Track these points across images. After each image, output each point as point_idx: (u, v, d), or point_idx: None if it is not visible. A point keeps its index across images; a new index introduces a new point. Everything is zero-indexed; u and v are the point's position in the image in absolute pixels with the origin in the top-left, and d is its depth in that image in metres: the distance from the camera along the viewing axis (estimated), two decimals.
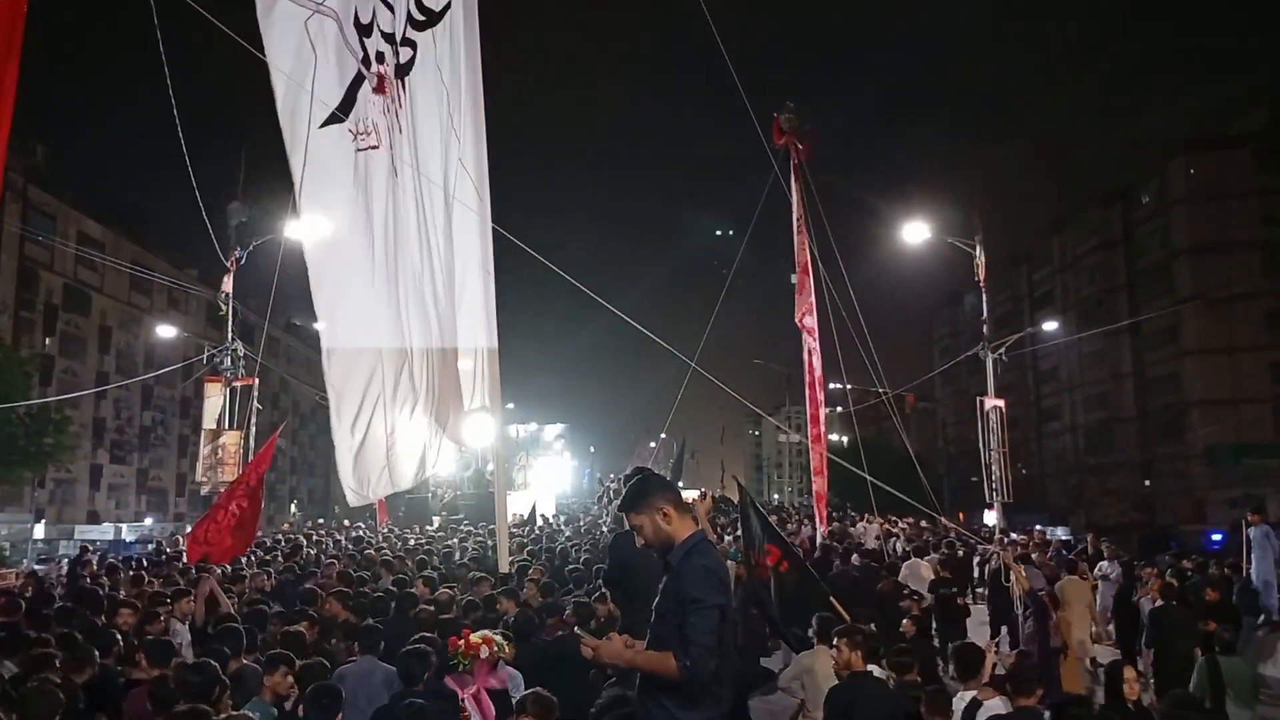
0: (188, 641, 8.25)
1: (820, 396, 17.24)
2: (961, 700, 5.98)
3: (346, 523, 28.15)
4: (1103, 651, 13.81)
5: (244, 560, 13.79)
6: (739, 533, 13.20)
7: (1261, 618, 13.65)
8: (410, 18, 7.16)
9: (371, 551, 15.37)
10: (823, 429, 17.53)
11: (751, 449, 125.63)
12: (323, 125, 6.93)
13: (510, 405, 45.32)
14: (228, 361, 20.07)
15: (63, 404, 34.65)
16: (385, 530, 22.97)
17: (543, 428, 56.72)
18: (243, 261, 19.52)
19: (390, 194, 7.19)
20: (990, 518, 21.56)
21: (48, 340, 45.85)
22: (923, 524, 24.04)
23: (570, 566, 11.87)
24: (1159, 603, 11.16)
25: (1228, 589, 13.57)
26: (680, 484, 26.47)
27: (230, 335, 20.06)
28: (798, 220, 16.65)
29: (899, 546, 18.95)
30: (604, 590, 8.70)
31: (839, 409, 26.00)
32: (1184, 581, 13.17)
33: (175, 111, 8.46)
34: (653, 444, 43.98)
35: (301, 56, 6.81)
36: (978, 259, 19.36)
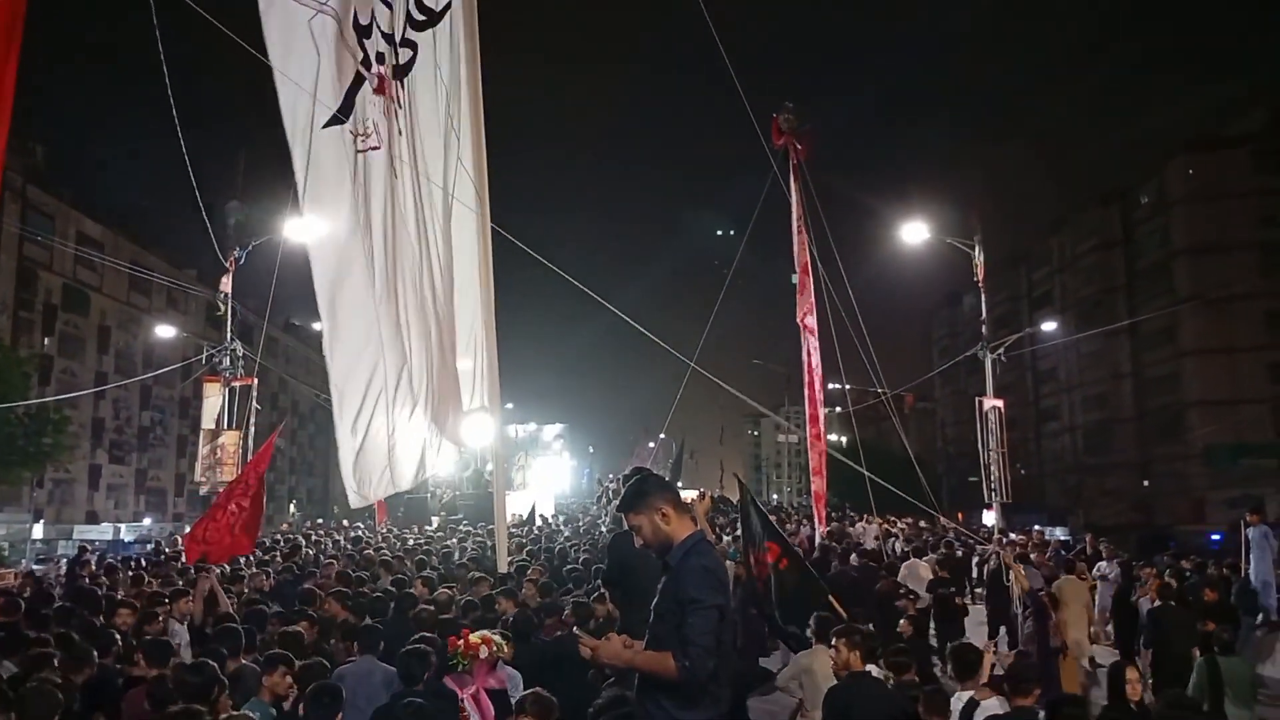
0: (186, 642, 8.24)
1: (819, 397, 17.25)
2: (959, 700, 5.98)
3: (345, 523, 28.14)
4: (1101, 652, 13.83)
5: (242, 560, 13.79)
6: (738, 533, 13.22)
7: (1260, 618, 13.68)
8: (410, 18, 7.16)
9: (370, 551, 15.37)
10: (822, 429, 17.53)
11: (750, 449, 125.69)
12: (325, 126, 6.93)
13: (509, 405, 45.32)
14: (226, 361, 20.07)
15: (61, 404, 34.65)
16: (384, 530, 22.98)
17: (542, 428, 56.70)
18: (241, 261, 19.51)
19: (389, 195, 7.19)
20: (989, 518, 21.58)
21: (46, 340, 45.83)
22: (921, 524, 24.06)
23: (569, 566, 11.88)
24: (1157, 603, 11.17)
25: (1226, 589, 13.59)
26: (679, 484, 26.49)
27: (229, 335, 20.06)
28: (797, 220, 16.65)
29: (897, 547, 18.96)
30: (603, 590, 8.71)
31: (838, 409, 25.99)
32: (1183, 581, 13.18)
33: (175, 112, 8.47)
34: (652, 444, 44.04)
35: (304, 57, 6.80)
36: (976, 259, 19.38)
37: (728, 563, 9.90)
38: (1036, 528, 27.51)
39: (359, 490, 7.33)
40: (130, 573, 13.84)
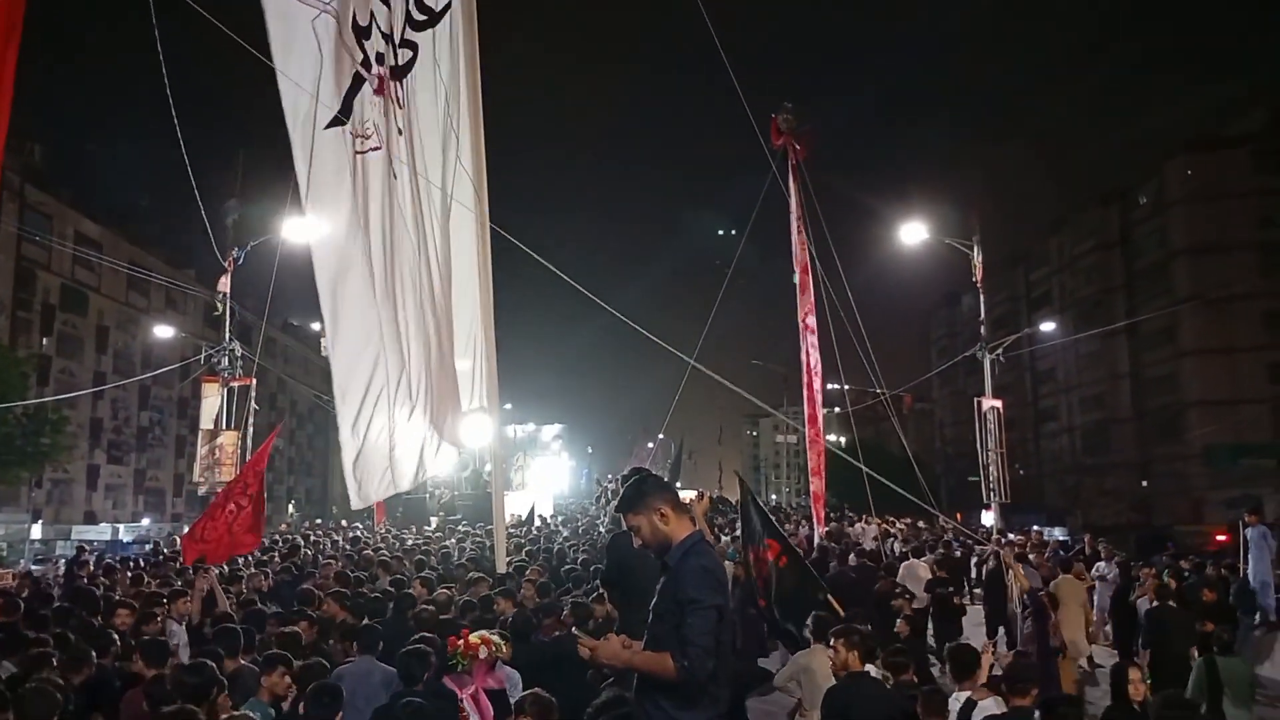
0: (184, 642, 8.24)
1: (819, 397, 17.25)
2: (957, 701, 5.98)
3: (344, 523, 28.14)
4: (1100, 652, 13.83)
5: (241, 560, 13.79)
6: (737, 533, 13.22)
7: (1258, 618, 13.70)
8: (410, 18, 7.17)
9: (369, 552, 15.36)
10: (821, 429, 17.53)
11: (749, 449, 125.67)
12: (326, 127, 6.94)
13: (508, 405, 45.31)
14: (225, 361, 20.07)
15: (60, 404, 34.62)
16: (383, 531, 22.97)
17: (540, 428, 56.76)
18: (240, 262, 19.51)
19: (388, 196, 7.19)
20: (988, 518, 21.59)
21: (45, 340, 45.80)
22: (920, 524, 24.07)
23: (567, 566, 11.87)
24: (1155, 603, 11.17)
25: (1225, 589, 13.60)
26: (678, 484, 26.49)
27: (227, 335, 20.06)
28: (797, 220, 16.66)
29: (896, 547, 18.96)
30: (601, 591, 8.71)
31: (836, 409, 26.01)
32: (1181, 582, 13.19)
33: (174, 111, 8.46)
34: (650, 444, 44.12)
35: (306, 58, 6.80)
36: (975, 259, 19.39)
37: (726, 563, 9.91)
38: (1035, 528, 27.52)
39: (360, 491, 7.34)
40: (130, 573, 13.83)
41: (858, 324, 15.57)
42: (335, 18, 6.85)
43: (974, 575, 18.80)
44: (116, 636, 7.20)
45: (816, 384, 17.09)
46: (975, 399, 19.39)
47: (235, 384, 20.20)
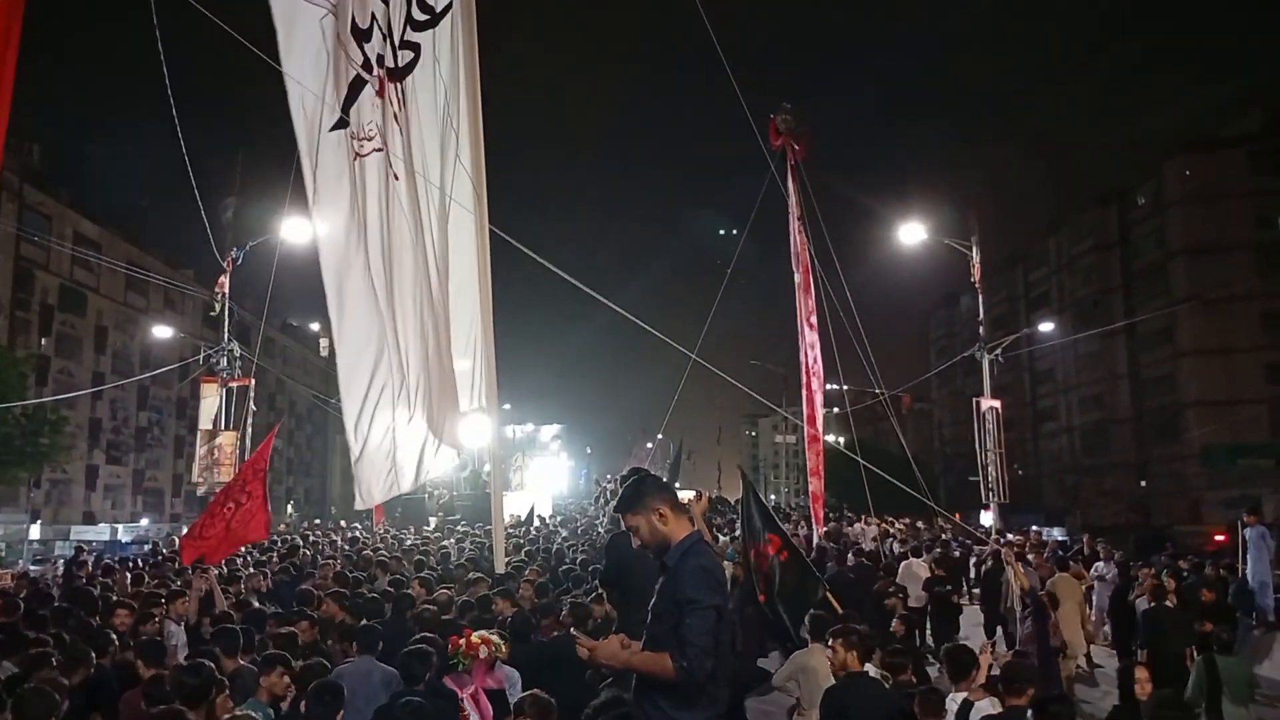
0: (183, 642, 8.23)
1: (818, 397, 17.25)
2: (954, 701, 5.98)
3: (343, 523, 28.13)
4: (1099, 652, 13.85)
5: (239, 560, 13.78)
6: (736, 533, 13.22)
7: (1256, 617, 13.71)
8: (410, 18, 7.18)
9: (368, 552, 15.36)
10: (820, 429, 17.53)
11: (748, 450, 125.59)
12: (331, 130, 6.95)
13: (506, 406, 45.29)
14: (224, 362, 20.06)
15: (59, 404, 34.59)
16: (382, 531, 22.95)
17: (539, 428, 56.79)
18: (239, 262, 19.50)
19: (386, 197, 7.20)
20: (986, 518, 21.61)
21: (44, 340, 45.77)
22: (919, 524, 24.07)
23: (565, 567, 11.87)
24: (1152, 604, 11.19)
25: (1224, 590, 13.61)
26: (677, 485, 26.47)
27: (226, 335, 20.05)
28: (796, 220, 16.66)
29: (895, 547, 18.96)
30: (600, 591, 8.71)
31: (835, 410, 26.03)
32: (1180, 582, 13.20)
33: (174, 111, 8.46)
34: (649, 445, 44.04)
35: (314, 59, 6.83)
36: (974, 260, 19.41)
37: (725, 563, 9.91)
38: (1034, 528, 27.52)
39: (364, 492, 7.37)
40: (130, 573, 13.81)
41: (856, 324, 15.60)
42: (339, 17, 6.87)
43: (973, 575, 18.81)
44: (115, 637, 7.20)
45: (815, 384, 17.08)
46: (974, 399, 19.42)
47: (234, 384, 20.18)
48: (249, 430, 20.15)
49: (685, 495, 7.37)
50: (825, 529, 17.33)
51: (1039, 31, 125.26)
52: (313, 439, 75.67)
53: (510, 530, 19.10)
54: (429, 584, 10.28)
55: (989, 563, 15.22)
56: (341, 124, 6.98)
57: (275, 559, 14.74)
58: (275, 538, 20.86)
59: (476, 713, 5.97)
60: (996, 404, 19.05)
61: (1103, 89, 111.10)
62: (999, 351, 20.49)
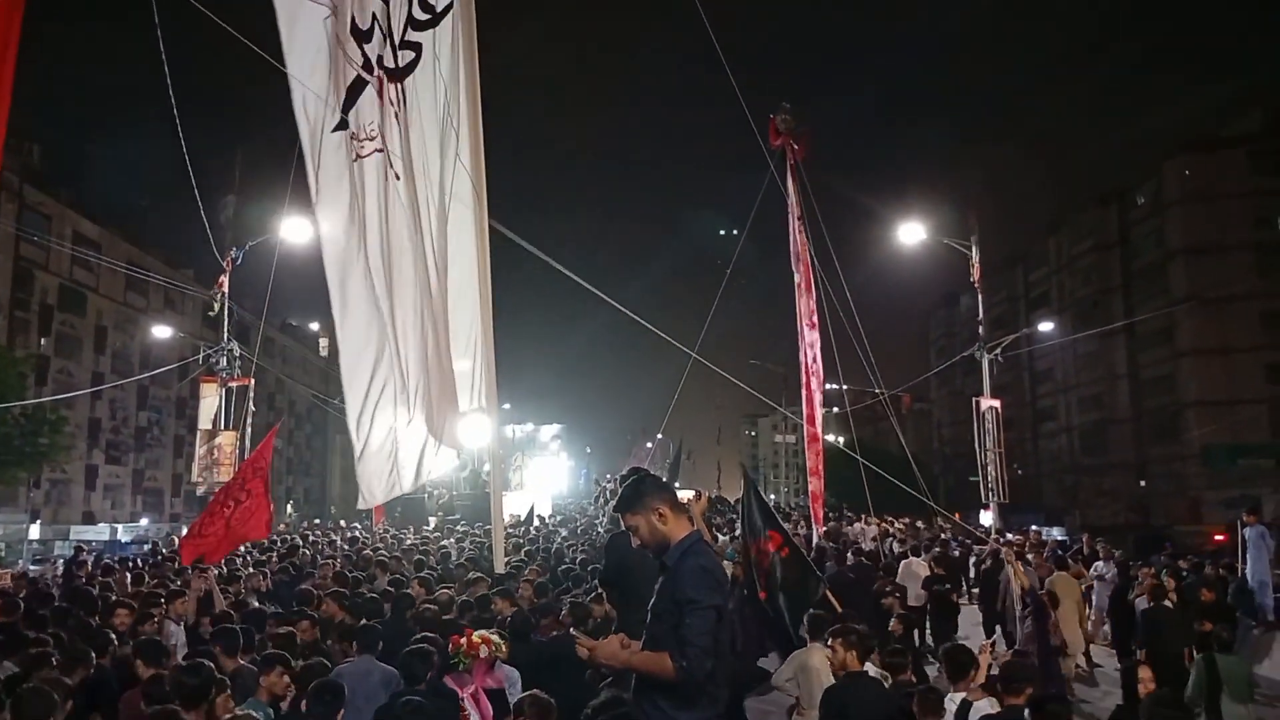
0: (182, 642, 8.23)
1: (818, 397, 17.24)
2: (953, 701, 5.98)
3: (343, 523, 28.13)
4: (1099, 651, 13.86)
5: (239, 560, 13.77)
6: (736, 533, 13.22)
7: (1256, 617, 13.71)
8: (411, 17, 7.18)
9: (368, 552, 15.36)
10: (819, 429, 17.52)
11: (748, 449, 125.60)
12: (333, 130, 6.96)
13: (506, 405, 45.28)
14: (223, 361, 20.06)
15: (58, 404, 34.59)
16: (381, 531, 22.95)
17: (539, 428, 56.80)
18: (239, 262, 19.49)
19: (386, 198, 7.20)
20: (986, 518, 21.63)
21: (43, 340, 45.77)
22: (918, 524, 24.07)
23: (565, 566, 11.87)
24: (1151, 603, 11.20)
25: (1223, 589, 13.62)
26: (676, 485, 26.47)
27: (226, 335, 20.04)
28: (796, 220, 16.65)
29: (894, 547, 18.95)
30: (600, 591, 8.71)
31: (835, 409, 26.04)
32: (1180, 581, 13.21)
33: (175, 111, 8.47)
34: (649, 444, 43.98)
35: (318, 60, 6.83)
36: (974, 260, 19.40)
37: (725, 563, 9.91)
38: (1034, 528, 27.52)
39: (365, 493, 7.38)
40: (130, 573, 13.81)
41: (856, 324, 15.59)
42: (339, 17, 6.87)
43: (972, 575, 18.81)
44: (114, 637, 7.20)
45: (815, 384, 17.07)
46: (974, 399, 19.42)
47: (233, 384, 20.18)
48: (248, 430, 20.15)
49: (685, 495, 7.36)
50: (825, 528, 17.32)
51: (1039, 31, 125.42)
52: (312, 439, 75.65)
53: (510, 530, 19.09)
54: (429, 584, 10.29)
55: (988, 562, 15.22)
56: (342, 125, 6.99)
57: (275, 559, 14.73)
58: (275, 537, 20.88)
59: (476, 712, 5.97)
60: (996, 404, 19.05)
61: (1103, 89, 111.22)
62: (999, 351, 20.49)
